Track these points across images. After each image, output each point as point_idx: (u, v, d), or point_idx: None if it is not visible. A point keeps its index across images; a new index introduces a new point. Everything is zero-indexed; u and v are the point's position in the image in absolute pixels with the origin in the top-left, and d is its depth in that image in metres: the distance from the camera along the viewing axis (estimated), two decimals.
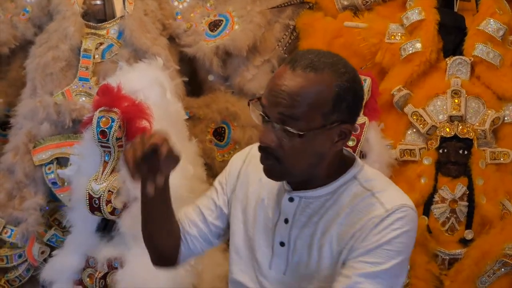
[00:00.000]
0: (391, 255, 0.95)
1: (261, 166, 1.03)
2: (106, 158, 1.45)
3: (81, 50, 1.81)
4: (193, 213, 1.14)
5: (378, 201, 0.98)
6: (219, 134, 1.97)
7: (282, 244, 1.04)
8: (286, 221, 1.03)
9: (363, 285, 0.94)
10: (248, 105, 0.99)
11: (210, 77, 2.01)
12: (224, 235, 1.15)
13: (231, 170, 1.13)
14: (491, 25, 1.75)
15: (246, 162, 1.12)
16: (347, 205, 0.99)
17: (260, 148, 0.98)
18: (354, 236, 0.97)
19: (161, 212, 1.07)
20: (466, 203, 1.70)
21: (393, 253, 0.95)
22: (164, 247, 1.12)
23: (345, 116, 0.96)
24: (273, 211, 1.05)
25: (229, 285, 1.13)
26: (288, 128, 0.93)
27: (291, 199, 1.03)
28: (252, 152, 1.13)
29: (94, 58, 1.82)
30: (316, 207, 1.01)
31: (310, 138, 0.94)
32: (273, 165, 0.98)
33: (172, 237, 1.11)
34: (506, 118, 1.76)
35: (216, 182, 1.16)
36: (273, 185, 1.07)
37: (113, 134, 1.41)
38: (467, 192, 1.70)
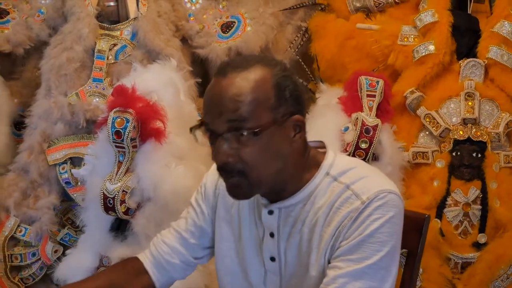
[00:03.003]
0: (376, 248, 0.89)
1: None
2: (121, 158, 1.46)
3: (95, 51, 1.83)
4: (173, 238, 1.07)
5: (353, 193, 0.91)
6: None
7: (272, 259, 0.99)
8: (271, 235, 0.98)
9: (349, 286, 0.88)
10: (190, 132, 0.92)
11: None
12: (208, 255, 1.10)
13: (207, 187, 1.07)
14: (505, 27, 1.74)
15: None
16: (325, 205, 0.93)
17: (220, 169, 0.91)
18: (335, 234, 0.91)
19: None
20: (480, 207, 1.69)
21: (377, 245, 0.89)
22: None
23: (292, 106, 0.91)
24: (257, 227, 1.00)
25: None
26: (241, 132, 0.86)
27: (270, 212, 0.97)
28: None
29: (107, 59, 1.84)
30: (297, 214, 0.95)
31: (267, 138, 0.88)
32: (239, 181, 0.90)
33: None
34: None
35: (192, 201, 1.09)
36: (254, 199, 1.00)
37: (128, 134, 1.42)
38: (481, 196, 1.68)
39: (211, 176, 1.08)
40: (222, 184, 1.03)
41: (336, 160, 0.97)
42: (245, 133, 0.87)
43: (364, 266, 0.89)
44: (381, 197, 0.91)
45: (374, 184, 0.92)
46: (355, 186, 0.92)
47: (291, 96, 0.91)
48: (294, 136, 0.92)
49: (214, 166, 1.07)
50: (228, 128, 0.88)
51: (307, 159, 0.96)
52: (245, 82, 0.88)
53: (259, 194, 0.98)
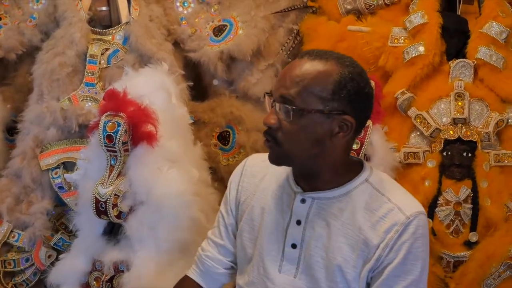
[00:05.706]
0: (418, 264, 0.99)
1: (262, 173, 1.08)
2: (112, 162, 1.46)
3: (87, 55, 1.83)
4: (212, 250, 1.17)
5: (397, 206, 1.00)
6: (223, 138, 1.98)
7: (293, 246, 1.04)
8: (298, 222, 1.04)
9: None
10: (264, 97, 1.05)
11: (215, 82, 2.02)
12: None
13: (231, 188, 1.17)
14: (494, 28, 1.76)
15: (244, 173, 1.15)
16: (362, 207, 1.01)
17: (264, 132, 1.03)
18: (381, 245, 0.98)
19: None
20: (471, 206, 1.70)
21: (419, 261, 1.00)
22: None
23: (347, 107, 0.99)
24: (283, 214, 1.06)
25: None
26: (288, 107, 0.97)
27: (303, 201, 1.04)
28: (248, 162, 1.17)
29: (100, 63, 1.84)
30: (332, 209, 1.02)
31: (308, 121, 0.97)
32: (272, 147, 1.01)
33: None
34: (510, 121, 1.75)
35: (221, 206, 1.19)
36: (279, 189, 1.08)
37: (119, 138, 1.42)
38: (471, 195, 1.70)
39: (237, 172, 1.18)
40: (245, 178, 1.13)
41: (373, 171, 1.07)
42: (291, 110, 0.98)
43: (409, 283, 0.99)
44: (420, 218, 1.01)
45: (413, 202, 1.04)
46: (397, 200, 1.01)
47: (347, 97, 0.99)
48: (338, 132, 1.00)
49: (237, 168, 1.18)
50: (280, 100, 1.00)
51: (348, 163, 1.04)
52: (310, 69, 0.99)
53: (292, 177, 1.07)
